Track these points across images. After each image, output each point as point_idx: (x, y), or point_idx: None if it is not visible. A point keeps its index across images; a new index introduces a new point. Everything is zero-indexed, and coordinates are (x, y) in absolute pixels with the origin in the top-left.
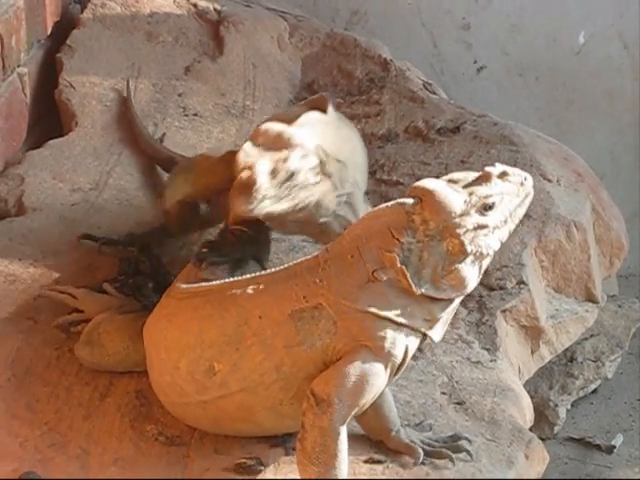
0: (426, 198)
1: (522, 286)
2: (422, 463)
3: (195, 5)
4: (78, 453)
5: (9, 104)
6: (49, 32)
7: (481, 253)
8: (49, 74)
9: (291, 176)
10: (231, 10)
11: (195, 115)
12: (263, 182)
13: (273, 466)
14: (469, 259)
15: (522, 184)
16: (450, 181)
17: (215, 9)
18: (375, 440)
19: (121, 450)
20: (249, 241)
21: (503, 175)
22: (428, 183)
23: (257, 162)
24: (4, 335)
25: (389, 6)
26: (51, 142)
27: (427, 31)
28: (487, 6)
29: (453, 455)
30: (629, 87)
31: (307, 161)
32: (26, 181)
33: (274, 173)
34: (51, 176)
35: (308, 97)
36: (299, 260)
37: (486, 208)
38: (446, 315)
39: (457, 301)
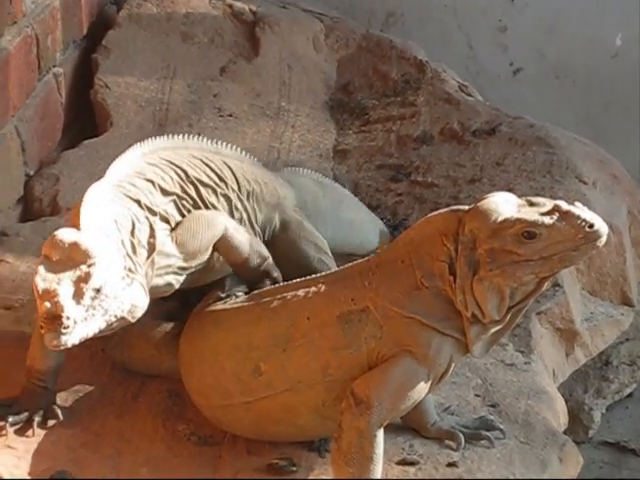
0: (476, 204)
1: (557, 289)
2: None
3: (231, 6)
4: (110, 453)
5: (44, 104)
6: (85, 32)
7: (502, 277)
8: (85, 74)
9: (98, 292)
10: (267, 11)
11: (230, 116)
12: (70, 309)
13: (305, 468)
14: (488, 280)
15: (585, 229)
16: (528, 201)
17: (251, 10)
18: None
19: (153, 450)
20: None
21: (565, 214)
22: (493, 193)
23: (58, 288)
24: None
25: (425, 8)
26: (86, 142)
27: (463, 33)
28: (524, 8)
29: (489, 434)
30: None
31: (111, 269)
32: (61, 181)
33: (79, 295)
34: (86, 176)
35: (343, 98)
36: (352, 263)
37: (526, 236)
38: (486, 338)
39: (492, 329)
